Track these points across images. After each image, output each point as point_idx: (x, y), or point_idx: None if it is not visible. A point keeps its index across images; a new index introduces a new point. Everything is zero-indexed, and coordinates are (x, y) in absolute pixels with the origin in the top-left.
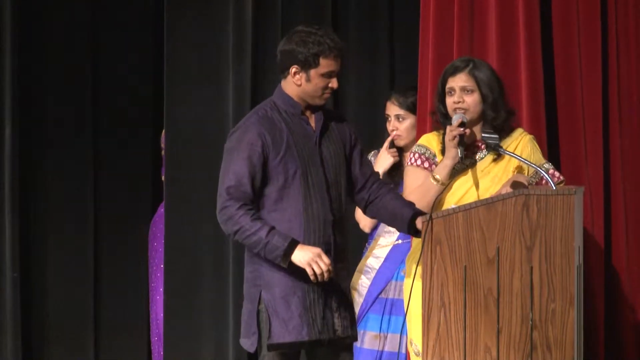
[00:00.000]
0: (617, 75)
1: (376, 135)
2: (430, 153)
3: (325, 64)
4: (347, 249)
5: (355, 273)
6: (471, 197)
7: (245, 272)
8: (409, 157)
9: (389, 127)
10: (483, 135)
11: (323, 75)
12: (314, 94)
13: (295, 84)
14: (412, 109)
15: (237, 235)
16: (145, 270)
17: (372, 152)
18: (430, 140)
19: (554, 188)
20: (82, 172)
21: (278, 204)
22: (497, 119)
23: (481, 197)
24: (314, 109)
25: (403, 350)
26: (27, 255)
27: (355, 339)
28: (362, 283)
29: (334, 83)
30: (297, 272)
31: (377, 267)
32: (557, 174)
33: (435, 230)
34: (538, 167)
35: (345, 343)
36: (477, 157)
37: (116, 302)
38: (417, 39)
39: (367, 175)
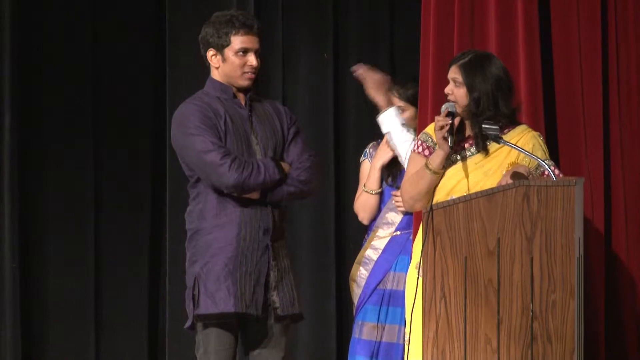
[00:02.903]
0: (617, 66)
1: (377, 127)
2: (431, 141)
3: (237, 41)
4: (285, 228)
5: (354, 264)
6: (461, 190)
7: (187, 260)
8: (414, 143)
9: None
10: (484, 126)
11: (237, 52)
12: (233, 74)
13: (215, 67)
14: (412, 100)
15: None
16: (146, 263)
17: (372, 144)
18: (433, 129)
19: (554, 179)
20: (83, 164)
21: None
22: (481, 114)
23: (472, 189)
24: (244, 92)
25: (401, 341)
26: (27, 246)
27: (298, 319)
28: (361, 274)
29: (251, 61)
30: (232, 247)
31: (375, 259)
32: (557, 171)
33: (436, 221)
34: (537, 158)
35: (284, 324)
36: (472, 150)
37: (117, 294)
38: (419, 32)
39: (291, 157)
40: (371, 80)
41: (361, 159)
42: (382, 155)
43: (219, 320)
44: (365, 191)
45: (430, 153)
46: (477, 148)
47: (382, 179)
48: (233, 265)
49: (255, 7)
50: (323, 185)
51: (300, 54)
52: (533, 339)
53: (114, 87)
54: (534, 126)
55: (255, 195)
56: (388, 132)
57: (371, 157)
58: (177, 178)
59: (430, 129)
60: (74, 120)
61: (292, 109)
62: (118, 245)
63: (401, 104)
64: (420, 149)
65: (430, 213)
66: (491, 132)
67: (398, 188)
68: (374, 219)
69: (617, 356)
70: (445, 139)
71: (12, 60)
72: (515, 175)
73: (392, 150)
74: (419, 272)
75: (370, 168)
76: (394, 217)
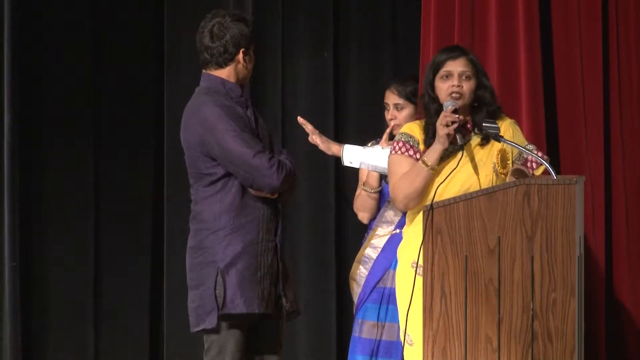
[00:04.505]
0: (618, 65)
1: (378, 125)
2: (414, 141)
3: (254, 41)
4: None
5: (354, 263)
6: (456, 183)
7: (191, 261)
8: (392, 146)
9: (388, 116)
10: (484, 124)
11: (255, 51)
12: (249, 73)
13: (244, 67)
14: (411, 98)
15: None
16: (147, 263)
17: (371, 143)
18: (413, 129)
19: (553, 173)
20: (83, 164)
21: (239, 188)
22: (493, 104)
23: (467, 181)
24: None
25: (401, 339)
26: (27, 246)
27: (299, 313)
28: (360, 273)
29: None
30: (250, 247)
31: (375, 257)
32: (540, 153)
33: (436, 219)
34: (529, 151)
35: (288, 320)
36: (461, 142)
37: (117, 294)
38: (419, 32)
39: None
40: (320, 142)
41: None
42: None
43: (244, 321)
44: (365, 190)
45: (415, 153)
46: (479, 135)
47: (381, 177)
48: (255, 266)
49: (255, 6)
50: (323, 184)
51: (300, 53)
52: (534, 337)
53: (114, 87)
54: (534, 125)
55: (275, 195)
56: (361, 163)
57: None
58: (175, 178)
59: (409, 129)
60: (74, 120)
61: (291, 108)
62: (118, 245)
63: (400, 101)
64: (403, 150)
65: (431, 212)
66: (492, 131)
67: None
68: (373, 218)
69: (617, 355)
70: (449, 135)
71: (12, 61)
72: (517, 173)
73: (375, 171)
74: (417, 271)
75: None
76: (393, 216)
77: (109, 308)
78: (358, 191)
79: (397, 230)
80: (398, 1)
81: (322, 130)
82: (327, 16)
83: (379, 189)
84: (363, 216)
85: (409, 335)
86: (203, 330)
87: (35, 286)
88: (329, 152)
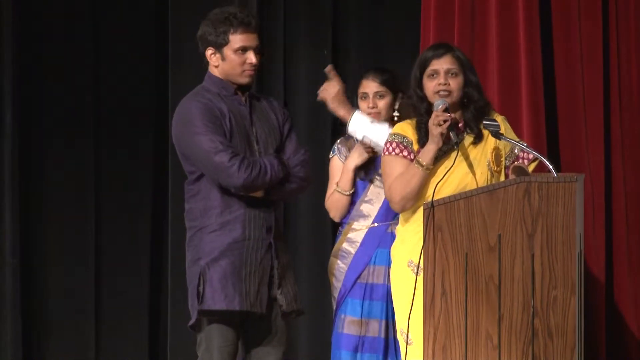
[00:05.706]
0: (618, 62)
1: None
2: (407, 141)
3: (236, 40)
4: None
5: (331, 258)
6: (452, 183)
7: (187, 261)
8: (385, 146)
9: (367, 104)
10: (484, 122)
11: (236, 51)
12: (233, 72)
13: (214, 66)
14: (390, 85)
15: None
16: (147, 262)
17: (340, 140)
18: (405, 129)
19: (553, 171)
20: (84, 159)
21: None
22: (481, 101)
23: (463, 180)
24: (242, 90)
25: (382, 335)
26: (27, 246)
27: (301, 313)
28: (339, 268)
29: (251, 58)
30: (236, 244)
31: (354, 252)
32: (532, 149)
33: (437, 217)
34: (531, 149)
35: (287, 319)
36: (455, 141)
37: (117, 293)
38: (419, 31)
39: (287, 154)
40: (332, 94)
41: (330, 155)
42: (356, 158)
43: (223, 317)
44: (338, 191)
45: (409, 153)
46: (472, 133)
47: (355, 179)
48: (239, 263)
49: (257, 5)
50: (322, 183)
51: (300, 51)
52: (534, 335)
53: (115, 86)
54: (534, 125)
55: (259, 194)
56: (364, 137)
57: (340, 152)
58: (179, 176)
59: (402, 129)
60: (74, 120)
61: (291, 106)
62: (119, 244)
63: (381, 89)
64: (397, 150)
65: (431, 209)
66: (492, 129)
67: (371, 181)
68: (344, 217)
69: (617, 353)
70: (442, 134)
71: (13, 60)
72: (518, 171)
73: (375, 148)
74: (417, 270)
75: (343, 169)
76: (370, 210)
77: (109, 308)
78: (330, 191)
79: (376, 224)
80: (398, 1)
81: (322, 129)
82: (327, 15)
83: (352, 190)
84: (335, 215)
85: (405, 334)
86: (190, 326)
87: (35, 286)
88: (335, 112)
